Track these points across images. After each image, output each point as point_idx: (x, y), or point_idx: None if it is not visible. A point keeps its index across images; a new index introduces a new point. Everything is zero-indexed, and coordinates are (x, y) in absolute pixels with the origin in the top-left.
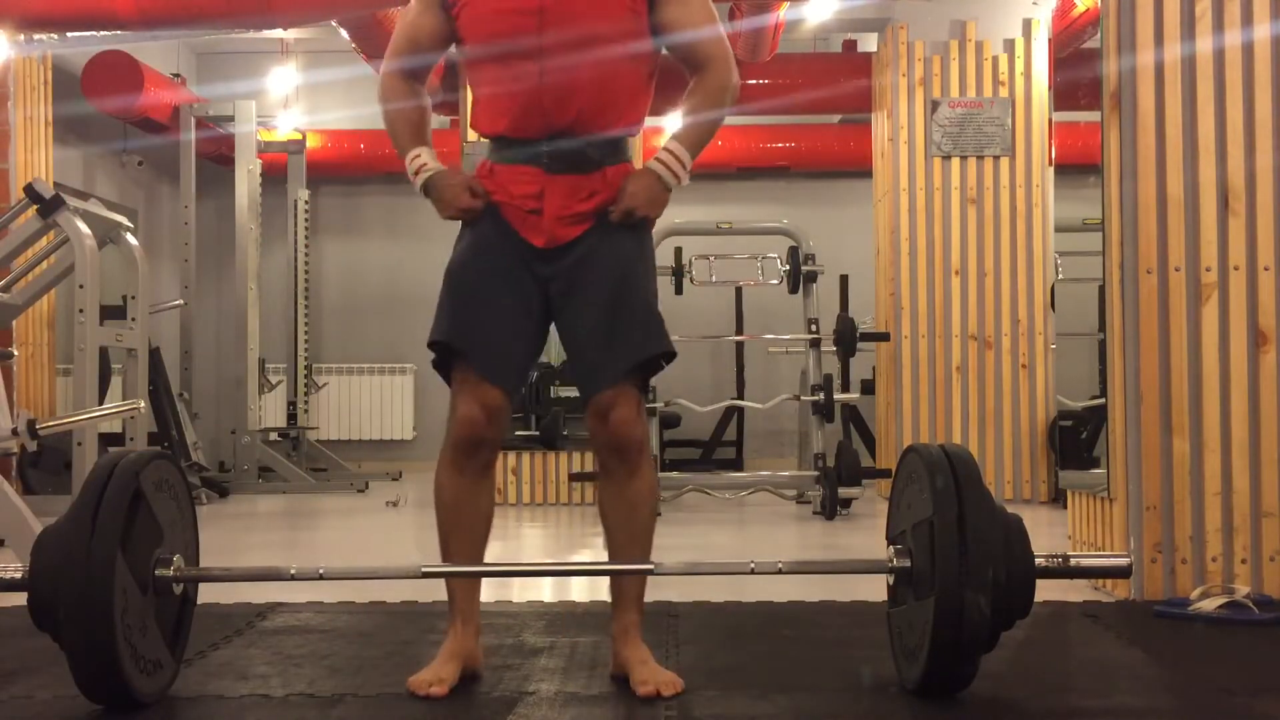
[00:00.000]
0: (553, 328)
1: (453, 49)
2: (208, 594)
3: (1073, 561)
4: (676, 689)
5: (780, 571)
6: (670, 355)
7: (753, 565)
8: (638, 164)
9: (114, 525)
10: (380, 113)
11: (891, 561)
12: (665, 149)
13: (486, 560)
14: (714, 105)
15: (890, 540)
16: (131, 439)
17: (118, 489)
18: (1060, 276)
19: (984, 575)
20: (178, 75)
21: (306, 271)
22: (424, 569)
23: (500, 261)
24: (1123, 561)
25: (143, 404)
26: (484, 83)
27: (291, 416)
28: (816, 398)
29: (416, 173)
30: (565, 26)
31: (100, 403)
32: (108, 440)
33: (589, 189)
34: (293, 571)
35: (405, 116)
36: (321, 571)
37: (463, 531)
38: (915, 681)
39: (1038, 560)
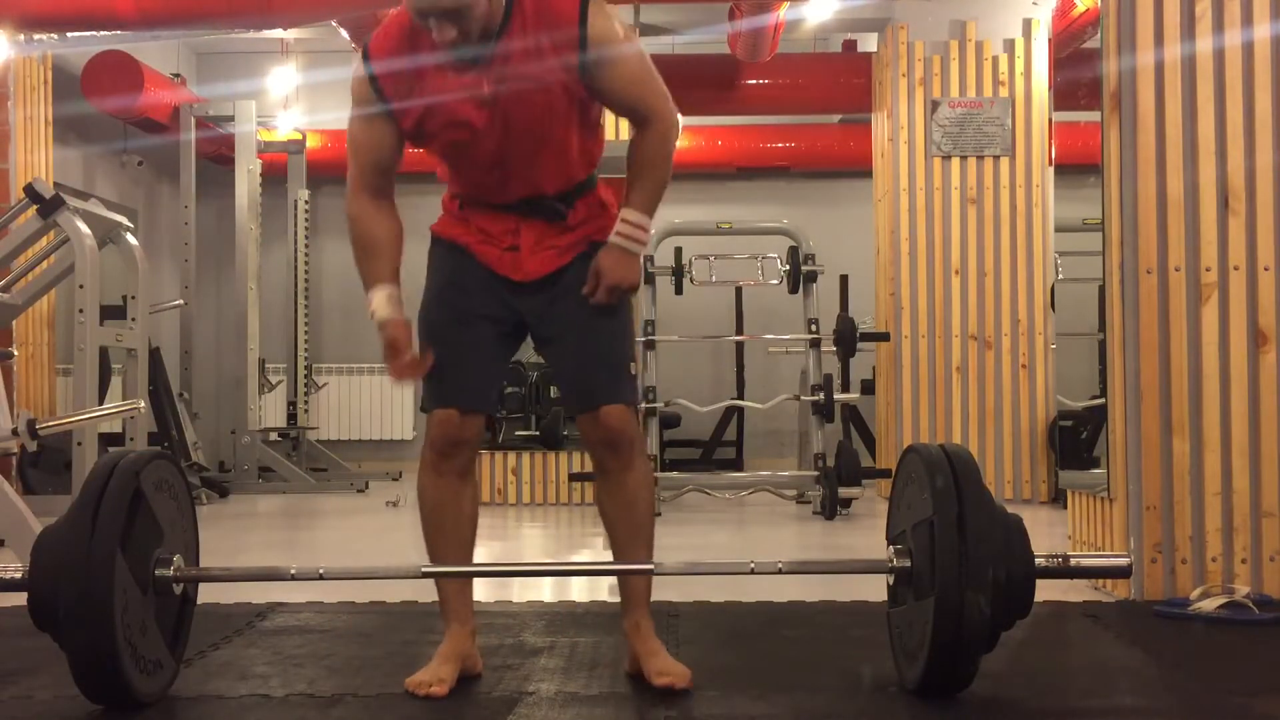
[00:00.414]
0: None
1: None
2: (208, 594)
3: (1073, 561)
4: (686, 682)
5: (780, 572)
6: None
7: (753, 565)
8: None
9: (114, 525)
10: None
11: (891, 561)
12: (623, 220)
13: (486, 560)
14: (660, 156)
15: (890, 540)
16: (131, 439)
17: (117, 489)
18: (1060, 276)
19: (984, 575)
20: (178, 75)
21: (306, 271)
22: (423, 569)
23: (472, 306)
24: (1123, 561)
25: (143, 404)
26: (444, 165)
27: (291, 416)
28: (816, 398)
29: (371, 316)
30: (516, 132)
31: (100, 403)
32: (108, 440)
33: (561, 226)
34: (293, 571)
35: (371, 248)
36: (321, 571)
37: (446, 534)
38: (915, 682)
39: (1038, 560)
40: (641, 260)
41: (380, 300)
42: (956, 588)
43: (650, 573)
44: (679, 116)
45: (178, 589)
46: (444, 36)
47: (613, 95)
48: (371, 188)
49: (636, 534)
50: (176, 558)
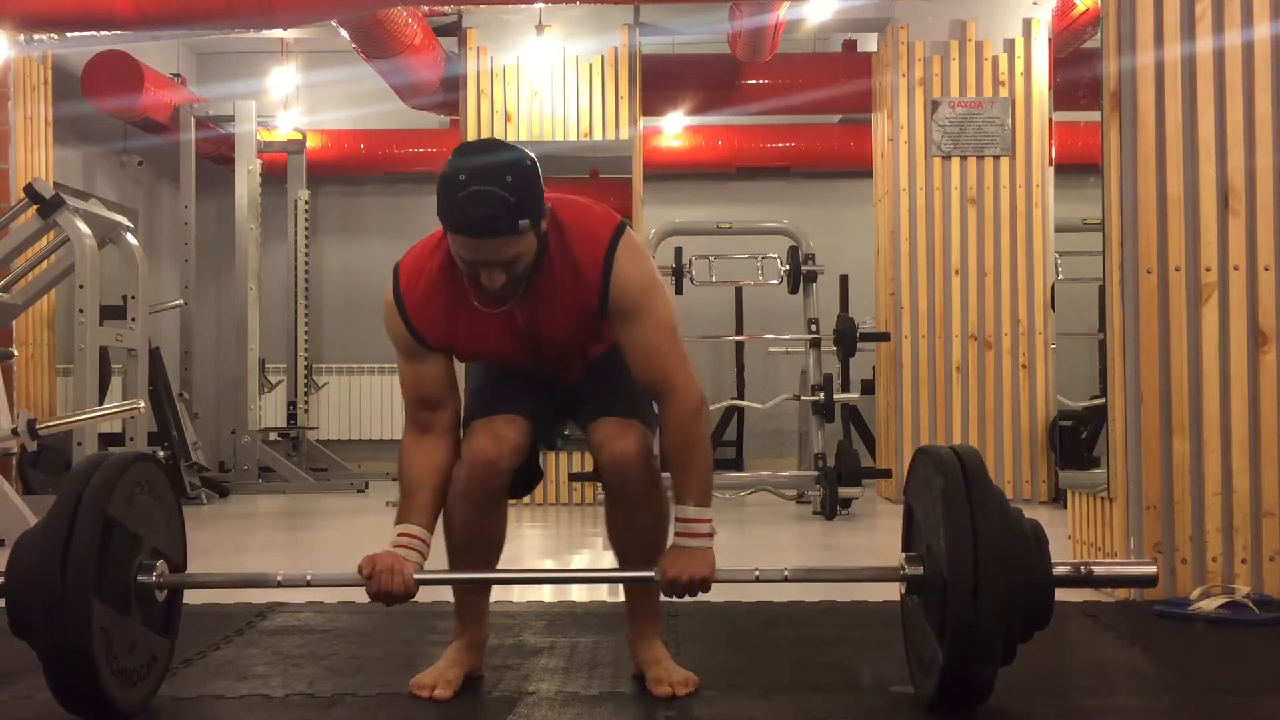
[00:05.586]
0: None
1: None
2: (208, 593)
3: (1096, 570)
4: (690, 688)
5: (786, 579)
6: None
7: (757, 573)
8: (637, 162)
9: (84, 578)
10: (381, 113)
11: (904, 569)
12: (678, 519)
13: None
14: (689, 443)
15: (904, 546)
16: (131, 439)
17: (86, 528)
18: (1060, 276)
19: (994, 646)
20: (178, 75)
21: (306, 271)
22: (416, 577)
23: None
24: (1148, 570)
25: (143, 404)
26: None
27: (291, 416)
28: (816, 398)
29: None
30: (547, 353)
31: (100, 403)
32: (108, 440)
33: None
34: (279, 578)
35: (405, 486)
36: (309, 578)
37: (470, 560)
38: (928, 698)
39: (1059, 569)
40: (711, 551)
41: (399, 536)
42: (964, 656)
43: (650, 580)
44: (701, 392)
45: (161, 595)
46: (494, 283)
47: (629, 355)
48: (419, 423)
49: (648, 561)
50: (160, 564)
